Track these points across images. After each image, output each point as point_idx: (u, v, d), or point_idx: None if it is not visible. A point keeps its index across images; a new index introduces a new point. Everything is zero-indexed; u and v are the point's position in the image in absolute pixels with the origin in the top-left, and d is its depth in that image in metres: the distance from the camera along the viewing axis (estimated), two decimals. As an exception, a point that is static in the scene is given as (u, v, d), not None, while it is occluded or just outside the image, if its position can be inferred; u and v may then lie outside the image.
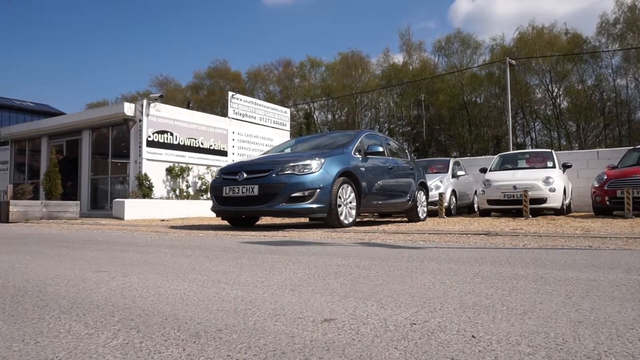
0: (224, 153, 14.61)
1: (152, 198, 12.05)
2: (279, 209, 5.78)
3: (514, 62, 22.26)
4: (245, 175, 6.01)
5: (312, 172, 5.88)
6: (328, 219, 6.04)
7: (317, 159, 6.06)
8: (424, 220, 8.69)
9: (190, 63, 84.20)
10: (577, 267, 2.25)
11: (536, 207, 9.53)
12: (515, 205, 9.66)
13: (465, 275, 2.06)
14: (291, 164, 5.92)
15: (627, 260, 2.41)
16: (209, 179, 13.71)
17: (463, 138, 46.16)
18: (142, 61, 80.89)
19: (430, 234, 4.82)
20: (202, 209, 12.57)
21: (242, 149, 15.35)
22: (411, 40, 46.48)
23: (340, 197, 6.14)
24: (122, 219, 11.09)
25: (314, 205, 5.83)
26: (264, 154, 7.72)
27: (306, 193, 5.82)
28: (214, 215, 7.06)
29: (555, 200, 9.57)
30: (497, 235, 4.41)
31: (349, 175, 6.38)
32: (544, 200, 9.56)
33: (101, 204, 13.64)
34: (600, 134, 42.58)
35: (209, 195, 13.45)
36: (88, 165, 13.68)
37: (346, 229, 5.82)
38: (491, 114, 45.08)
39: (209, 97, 51.89)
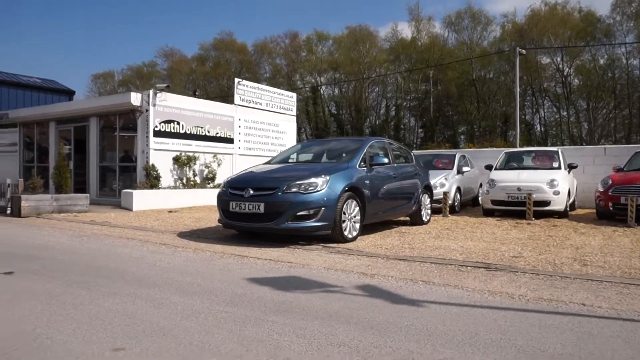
0: (230, 140, 14.68)
1: (159, 188, 12.23)
2: (284, 227, 5.91)
3: (524, 51, 21.86)
4: (251, 192, 6.12)
5: (317, 191, 5.99)
6: (332, 234, 6.19)
7: (322, 176, 6.15)
8: (427, 223, 8.83)
9: (196, 34, 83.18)
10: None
11: (540, 210, 9.60)
12: (519, 207, 9.74)
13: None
14: (297, 182, 6.02)
15: (613, 356, 2.53)
16: (215, 167, 13.87)
17: (471, 115, 45.76)
18: (148, 31, 79.98)
19: (431, 263, 4.95)
20: (208, 198, 12.75)
21: (248, 136, 15.40)
22: (420, 16, 45.55)
23: (344, 213, 6.26)
24: (131, 209, 11.32)
25: (319, 223, 5.97)
26: (270, 162, 7.79)
27: (311, 212, 5.95)
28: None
29: (558, 203, 9.64)
30: (496, 271, 4.54)
31: (353, 190, 6.49)
32: (547, 203, 9.63)
33: (110, 188, 13.84)
34: (610, 113, 42.06)
35: (215, 183, 13.67)
36: (96, 152, 13.82)
37: (350, 248, 5.94)
38: (500, 91, 44.52)
39: (214, 69, 51.48)
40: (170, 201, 12.14)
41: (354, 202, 6.48)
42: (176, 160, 12.96)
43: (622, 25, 36.84)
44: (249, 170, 7.25)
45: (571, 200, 10.64)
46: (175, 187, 12.88)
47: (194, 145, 13.50)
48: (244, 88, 15.39)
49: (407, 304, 3.43)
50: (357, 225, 6.57)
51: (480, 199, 12.81)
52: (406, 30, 49.16)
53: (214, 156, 14.00)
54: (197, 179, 13.51)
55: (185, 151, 13.16)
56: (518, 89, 23.09)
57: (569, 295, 3.69)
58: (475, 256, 5.34)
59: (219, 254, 5.54)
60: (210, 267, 4.80)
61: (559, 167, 10.53)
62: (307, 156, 7.96)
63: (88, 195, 11.24)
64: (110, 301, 3.48)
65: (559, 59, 40.52)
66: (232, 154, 14.75)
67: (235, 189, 6.40)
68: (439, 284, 4.04)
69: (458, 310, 3.29)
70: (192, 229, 7.81)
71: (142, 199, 11.55)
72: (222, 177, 13.78)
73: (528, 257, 5.30)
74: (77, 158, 14.47)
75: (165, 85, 12.82)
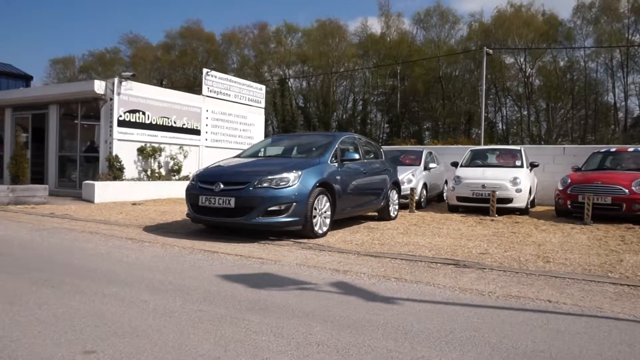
0: (197, 132, 14.41)
1: (122, 180, 11.88)
2: (255, 222, 5.86)
3: (491, 51, 22.47)
4: (222, 186, 6.02)
5: (289, 186, 5.96)
6: (303, 230, 6.18)
7: (294, 171, 6.12)
8: (394, 218, 8.94)
9: (161, 21, 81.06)
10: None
11: (502, 207, 9.89)
12: (483, 204, 10.00)
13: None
14: (269, 177, 5.97)
15: (581, 352, 2.64)
16: (181, 159, 13.58)
17: (436, 112, 46.61)
18: (111, 15, 77.18)
19: (402, 259, 5.02)
20: (174, 190, 12.52)
21: (215, 127, 15.15)
22: (390, 11, 45.93)
23: (315, 209, 6.26)
24: (92, 201, 10.95)
25: (290, 219, 5.94)
26: (240, 156, 7.68)
27: (283, 207, 5.92)
28: (184, 197, 6.88)
29: (520, 201, 9.96)
30: (465, 268, 4.65)
31: (325, 185, 6.48)
32: (510, 200, 9.94)
33: (69, 179, 13.36)
34: (568, 114, 43.76)
35: (180, 175, 13.41)
36: (56, 141, 13.28)
37: (320, 243, 5.94)
38: (465, 88, 45.54)
39: (180, 58, 50.36)
40: (134, 193, 11.82)
41: (325, 198, 6.48)
42: (141, 151, 12.61)
43: (582, 29, 38.38)
44: (218, 164, 7.13)
45: (532, 197, 11.02)
46: (139, 179, 12.55)
47: (159, 136, 13.17)
48: (212, 79, 15.11)
49: (381, 302, 3.47)
50: (328, 221, 6.58)
51: (445, 195, 13.09)
52: (376, 26, 49.58)
53: (180, 148, 13.70)
54: (162, 171, 13.19)
55: (150, 142, 12.83)
56: (484, 88, 23.66)
57: (535, 292, 3.81)
58: (444, 252, 5.44)
59: (188, 249, 5.44)
60: (180, 264, 4.70)
61: (522, 166, 10.87)
62: (277, 150, 7.91)
63: (47, 186, 10.79)
64: (77, 300, 3.35)
65: (522, 60, 41.79)
66: (198, 146, 14.48)
67: (205, 182, 6.28)
68: (410, 281, 4.10)
69: (432, 307, 3.35)
70: (159, 223, 7.63)
71: (104, 191, 11.20)
72: (188, 170, 13.53)
73: (494, 253, 5.45)
74: (34, 147, 13.88)
75: (131, 73, 12.42)
